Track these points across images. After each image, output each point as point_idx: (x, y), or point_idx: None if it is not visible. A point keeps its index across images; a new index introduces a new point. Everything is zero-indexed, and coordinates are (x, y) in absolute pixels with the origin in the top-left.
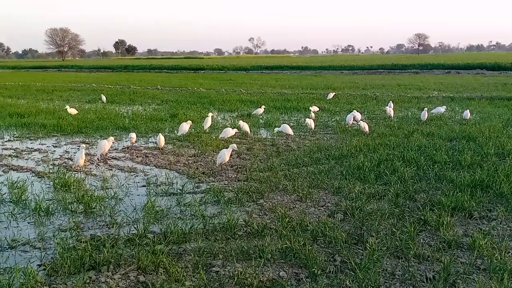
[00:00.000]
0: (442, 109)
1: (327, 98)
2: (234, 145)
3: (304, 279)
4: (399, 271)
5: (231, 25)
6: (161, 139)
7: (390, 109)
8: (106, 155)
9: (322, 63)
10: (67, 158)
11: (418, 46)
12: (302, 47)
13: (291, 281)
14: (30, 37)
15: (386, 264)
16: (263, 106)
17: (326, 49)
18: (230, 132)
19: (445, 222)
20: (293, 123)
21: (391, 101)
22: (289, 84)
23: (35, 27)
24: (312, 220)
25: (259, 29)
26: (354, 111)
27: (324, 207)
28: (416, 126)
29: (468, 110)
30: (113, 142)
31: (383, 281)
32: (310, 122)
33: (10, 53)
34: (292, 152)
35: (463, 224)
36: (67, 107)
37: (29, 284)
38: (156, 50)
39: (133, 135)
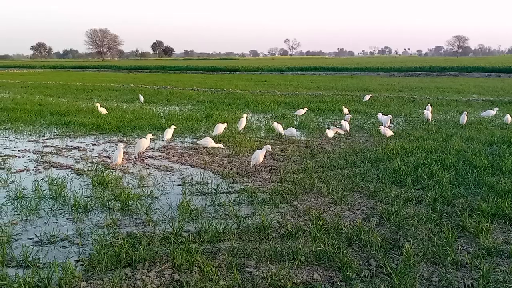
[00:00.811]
0: (493, 112)
1: (364, 100)
2: (268, 146)
3: (338, 283)
4: (436, 277)
5: (266, 26)
6: (209, 141)
7: (428, 112)
8: (143, 153)
9: (358, 65)
10: (105, 156)
11: (458, 49)
12: (338, 48)
13: (325, 284)
14: (71, 37)
15: (423, 270)
16: (305, 108)
17: (363, 51)
18: (220, 127)
19: (484, 229)
20: (327, 125)
21: (429, 104)
22: (324, 86)
23: (76, 28)
24: (346, 223)
25: (294, 31)
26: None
27: (359, 210)
28: (454, 130)
29: (508, 115)
30: (151, 140)
31: (419, 287)
32: (345, 124)
33: (52, 53)
34: (326, 154)
35: (503, 231)
36: (98, 105)
37: (67, 279)
38: (192, 52)
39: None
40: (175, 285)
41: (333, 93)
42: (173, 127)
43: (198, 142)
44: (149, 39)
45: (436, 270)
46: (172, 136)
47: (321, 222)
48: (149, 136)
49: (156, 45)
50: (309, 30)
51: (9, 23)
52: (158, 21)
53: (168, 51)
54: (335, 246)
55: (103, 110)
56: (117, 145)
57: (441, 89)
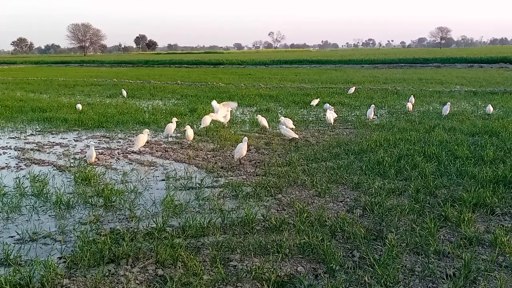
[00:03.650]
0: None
1: (348, 93)
2: (246, 138)
3: (322, 275)
4: (419, 267)
5: (250, 19)
6: (189, 133)
7: (409, 104)
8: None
9: (342, 57)
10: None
11: (440, 40)
12: (322, 41)
13: (309, 276)
14: (52, 32)
15: (406, 260)
16: (318, 99)
17: (347, 43)
18: (207, 119)
19: (466, 219)
20: (312, 117)
21: (412, 96)
22: (309, 79)
23: (57, 23)
24: (330, 215)
25: (278, 24)
26: (330, 110)
27: (343, 202)
28: (437, 121)
29: (490, 105)
30: (148, 135)
31: (402, 278)
32: (330, 117)
33: (33, 48)
34: (311, 147)
35: (485, 221)
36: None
37: (49, 276)
38: (176, 45)
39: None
40: (158, 281)
41: (318, 85)
42: (174, 120)
43: (200, 127)
44: (132, 33)
45: (418, 260)
46: (149, 133)
47: (305, 215)
48: (146, 131)
49: (139, 39)
50: (293, 23)
51: None
52: (141, 15)
53: (151, 45)
54: (319, 238)
55: (79, 106)
56: (99, 141)
57: (424, 80)
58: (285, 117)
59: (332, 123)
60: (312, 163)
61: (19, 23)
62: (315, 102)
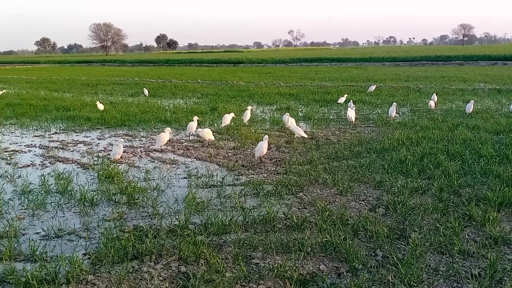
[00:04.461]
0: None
1: (369, 91)
2: (266, 136)
3: (344, 273)
4: (443, 267)
5: (270, 18)
6: (206, 133)
7: (431, 102)
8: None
9: (363, 55)
10: (111, 150)
11: (463, 37)
12: (342, 39)
13: (331, 275)
14: (75, 32)
15: (430, 260)
16: (345, 95)
17: (367, 41)
18: (227, 118)
19: (491, 218)
20: (332, 115)
21: (434, 94)
22: (329, 77)
23: (79, 23)
24: (353, 214)
25: (298, 22)
26: (395, 103)
27: (365, 201)
28: (460, 119)
29: None
30: (170, 133)
31: (426, 277)
32: (351, 115)
33: (56, 48)
34: (331, 145)
35: (511, 220)
36: (98, 102)
37: (74, 272)
38: (196, 44)
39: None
40: (181, 277)
41: (338, 84)
42: (196, 118)
43: (221, 126)
44: (153, 33)
45: (443, 259)
46: (171, 132)
47: (327, 213)
48: (168, 130)
49: (160, 39)
50: (313, 21)
51: (13, 18)
52: (161, 14)
53: (172, 44)
54: (341, 237)
55: (100, 106)
56: (120, 140)
57: (446, 78)
58: (304, 116)
59: (354, 121)
60: (333, 161)
61: (43, 23)
62: (342, 99)
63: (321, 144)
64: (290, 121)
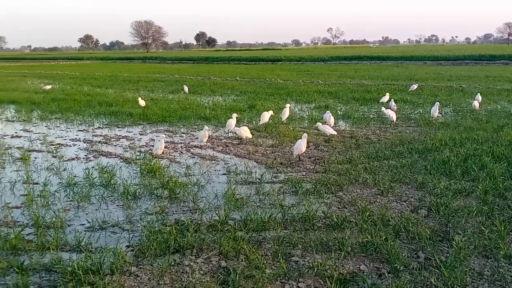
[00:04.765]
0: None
1: (410, 90)
2: (305, 134)
3: (386, 274)
4: (488, 271)
5: (309, 15)
6: (244, 131)
7: (475, 102)
8: (188, 144)
9: (404, 53)
10: (152, 145)
11: (508, 36)
12: (383, 37)
13: (372, 276)
14: (117, 29)
15: (474, 263)
16: (388, 94)
17: (408, 39)
18: (266, 115)
19: None
20: (373, 114)
21: (479, 94)
22: (369, 75)
23: (121, 20)
24: (394, 215)
25: (337, 19)
26: (437, 103)
27: (407, 202)
28: (506, 120)
29: None
30: (207, 131)
31: (470, 281)
32: (392, 114)
33: (99, 45)
34: (372, 144)
35: None
36: (139, 99)
37: (118, 263)
38: (235, 42)
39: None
40: (222, 272)
41: (378, 82)
42: (234, 115)
43: (259, 123)
44: (193, 30)
45: (487, 263)
46: (208, 129)
47: (367, 213)
48: (206, 128)
49: (199, 36)
50: (352, 19)
51: (58, 16)
52: (200, 12)
53: (211, 42)
54: (382, 237)
55: (142, 102)
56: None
57: (491, 77)
58: (343, 114)
59: (395, 121)
60: (374, 161)
61: (86, 21)
62: (385, 98)
63: (361, 143)
64: (317, 123)
